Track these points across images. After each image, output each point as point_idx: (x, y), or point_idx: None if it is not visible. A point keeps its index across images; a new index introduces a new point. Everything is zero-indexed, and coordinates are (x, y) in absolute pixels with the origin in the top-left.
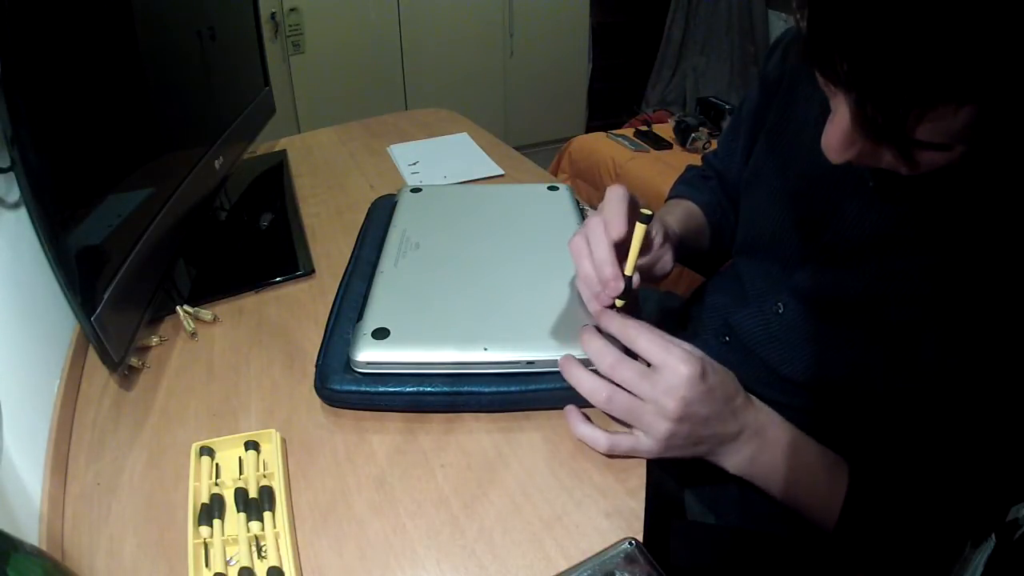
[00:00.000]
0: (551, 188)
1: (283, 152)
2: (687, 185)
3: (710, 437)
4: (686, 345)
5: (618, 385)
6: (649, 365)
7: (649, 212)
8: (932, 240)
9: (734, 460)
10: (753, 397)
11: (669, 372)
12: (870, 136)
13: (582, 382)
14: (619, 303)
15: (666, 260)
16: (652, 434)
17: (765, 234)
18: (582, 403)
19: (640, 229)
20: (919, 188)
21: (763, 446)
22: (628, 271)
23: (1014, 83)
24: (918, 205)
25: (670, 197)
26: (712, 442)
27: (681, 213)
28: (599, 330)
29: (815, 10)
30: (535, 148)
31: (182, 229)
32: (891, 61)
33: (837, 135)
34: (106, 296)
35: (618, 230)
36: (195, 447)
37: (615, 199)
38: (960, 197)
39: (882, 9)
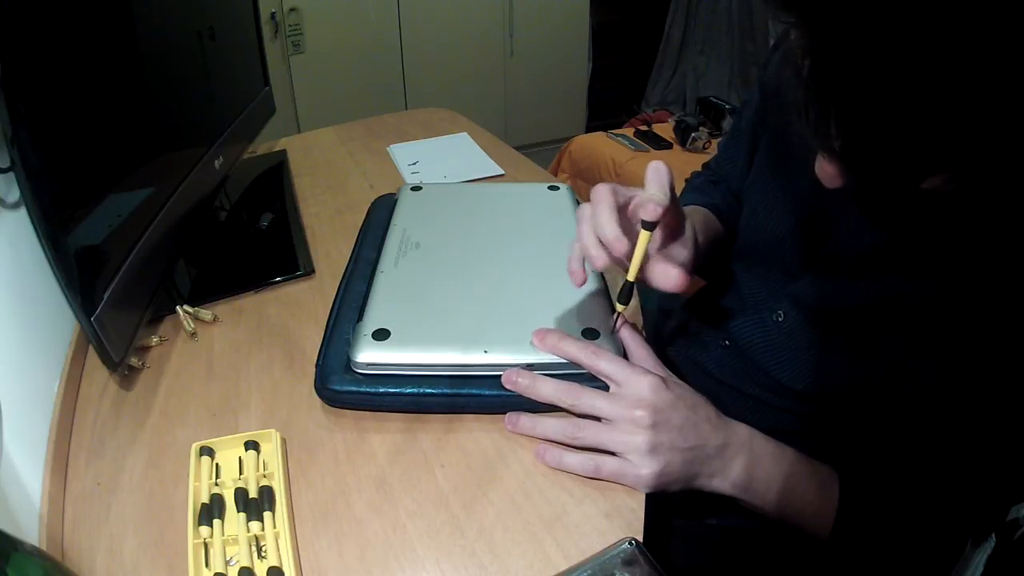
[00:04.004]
0: (551, 188)
1: (283, 152)
2: (699, 192)
3: (695, 451)
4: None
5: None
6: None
7: (652, 220)
8: (928, 258)
9: (731, 476)
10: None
11: (634, 384)
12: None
13: (548, 428)
14: (620, 307)
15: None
16: (634, 451)
17: (765, 241)
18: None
19: (644, 236)
20: (909, 212)
21: (755, 457)
22: (631, 277)
23: (1008, 148)
24: (913, 225)
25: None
26: (701, 460)
27: (700, 220)
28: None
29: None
30: (535, 148)
31: (182, 229)
32: (886, 142)
33: (828, 167)
34: (106, 296)
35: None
36: (195, 447)
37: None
38: (953, 216)
39: (881, 84)
